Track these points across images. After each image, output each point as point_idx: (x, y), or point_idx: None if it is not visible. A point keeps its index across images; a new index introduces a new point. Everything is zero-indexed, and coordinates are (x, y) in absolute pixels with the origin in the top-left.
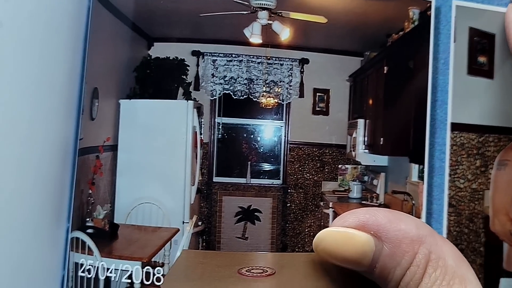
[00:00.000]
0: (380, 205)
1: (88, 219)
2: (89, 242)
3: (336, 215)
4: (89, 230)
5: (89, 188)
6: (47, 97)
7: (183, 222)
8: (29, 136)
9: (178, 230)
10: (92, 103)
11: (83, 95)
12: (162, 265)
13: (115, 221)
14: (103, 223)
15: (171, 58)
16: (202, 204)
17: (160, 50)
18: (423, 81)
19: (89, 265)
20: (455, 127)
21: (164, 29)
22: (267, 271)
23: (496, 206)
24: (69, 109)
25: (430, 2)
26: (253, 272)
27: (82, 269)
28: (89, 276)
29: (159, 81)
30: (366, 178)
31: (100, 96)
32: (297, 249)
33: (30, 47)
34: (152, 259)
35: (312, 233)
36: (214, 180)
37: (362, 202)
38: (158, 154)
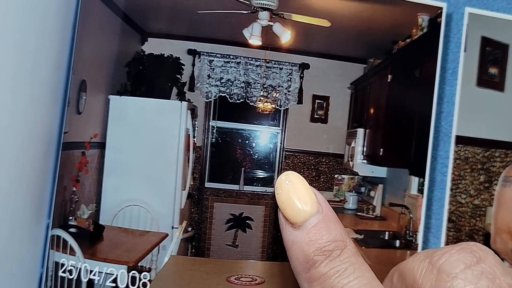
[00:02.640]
0: (376, 217)
1: (71, 218)
2: (71, 241)
3: None
4: (72, 229)
5: (73, 185)
6: (30, 86)
7: (173, 227)
8: (9, 126)
9: (167, 235)
10: (80, 96)
11: (70, 87)
12: (149, 270)
13: (100, 222)
14: (87, 223)
15: (165, 55)
16: (192, 210)
17: (154, 46)
18: (429, 91)
19: (71, 265)
20: (460, 140)
21: (159, 25)
22: (257, 279)
23: (499, 223)
24: (53, 99)
25: (441, 8)
26: (242, 280)
27: (63, 269)
28: (71, 277)
29: (152, 79)
30: (363, 189)
31: (88, 90)
32: (287, 259)
33: (13, 33)
34: (139, 264)
35: None
36: (206, 186)
37: (358, 213)
38: (149, 155)
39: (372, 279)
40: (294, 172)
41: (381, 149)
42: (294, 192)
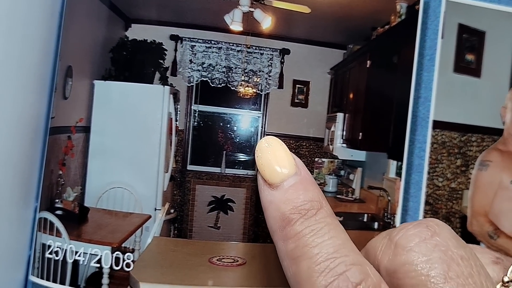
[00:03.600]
0: (355, 200)
1: (57, 201)
2: (58, 223)
3: None
4: (58, 212)
5: (59, 169)
6: (17, 72)
7: (155, 209)
8: None
9: (150, 216)
10: (66, 82)
11: (57, 73)
12: (132, 251)
13: (85, 204)
14: (72, 206)
15: (148, 41)
16: (175, 192)
17: (137, 32)
18: (407, 77)
19: (57, 247)
20: (437, 125)
21: (142, 11)
22: (238, 260)
23: (475, 207)
24: (41, 86)
25: None
26: (224, 261)
27: (49, 250)
28: (57, 258)
29: (136, 64)
30: (342, 172)
31: (74, 75)
32: (268, 240)
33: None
34: (123, 245)
35: None
36: (188, 168)
37: (337, 196)
38: (132, 138)
39: (346, 240)
40: (274, 137)
41: (360, 133)
42: (273, 155)
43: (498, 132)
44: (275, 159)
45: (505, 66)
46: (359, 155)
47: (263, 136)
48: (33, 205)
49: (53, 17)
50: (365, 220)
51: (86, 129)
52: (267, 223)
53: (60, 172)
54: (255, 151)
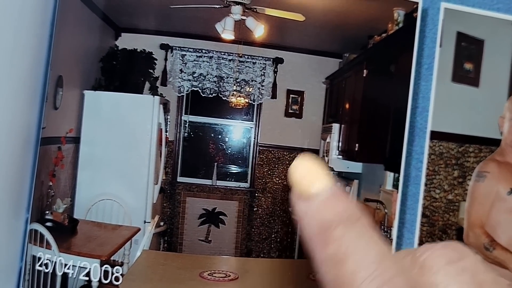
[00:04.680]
0: None
1: (47, 212)
2: (48, 235)
3: None
4: (48, 224)
5: (49, 180)
6: (8, 82)
7: (145, 222)
8: None
9: (139, 229)
10: (56, 92)
11: (48, 82)
12: (121, 265)
13: (74, 216)
14: (62, 217)
15: (138, 50)
16: (165, 204)
17: (127, 41)
18: (404, 86)
19: (47, 259)
20: (435, 135)
21: (132, 20)
22: (230, 275)
23: (472, 218)
24: (32, 96)
25: (417, 3)
26: (215, 276)
27: (39, 262)
28: (47, 270)
29: (126, 73)
30: (338, 185)
31: (65, 85)
32: (262, 255)
33: None
34: (112, 258)
35: (278, 239)
36: (178, 180)
37: None
38: (122, 149)
39: (388, 250)
40: (310, 154)
41: (357, 145)
42: (308, 169)
43: (496, 143)
44: (310, 174)
45: (503, 75)
46: (356, 167)
47: (256, 147)
48: (24, 216)
49: (44, 26)
50: None
51: (76, 140)
52: (303, 232)
53: (50, 183)
54: (290, 167)
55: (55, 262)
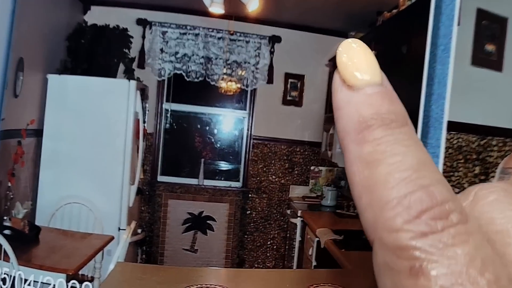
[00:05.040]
0: (357, 215)
1: (5, 218)
2: (5, 245)
3: (305, 225)
4: (6, 231)
5: (8, 180)
6: None
7: (119, 229)
8: None
9: (113, 238)
10: (17, 77)
11: (8, 66)
12: (91, 280)
13: (36, 223)
14: (22, 224)
15: (111, 26)
16: (143, 208)
17: (98, 16)
18: (418, 70)
19: (5, 273)
20: (453, 126)
21: None
22: None
23: None
24: None
25: None
26: None
27: None
28: (4, 286)
29: (96, 54)
30: (343, 182)
31: (26, 69)
32: (256, 265)
33: None
34: (80, 272)
35: (275, 246)
36: (158, 180)
37: (337, 210)
38: (92, 144)
39: (431, 160)
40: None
41: None
42: (359, 56)
43: None
44: (360, 61)
45: None
46: None
47: (249, 140)
48: None
49: (5, 2)
50: None
51: (38, 133)
52: (337, 123)
53: (9, 184)
54: (338, 48)
55: (14, 277)
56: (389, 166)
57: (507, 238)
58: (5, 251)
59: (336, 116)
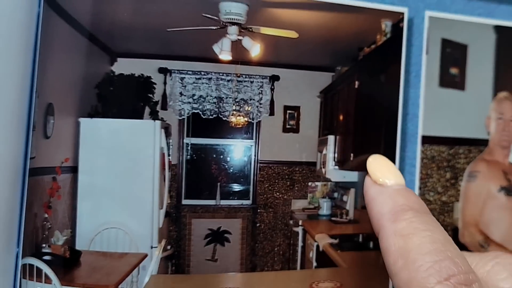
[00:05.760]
0: (349, 221)
1: (44, 245)
2: (46, 269)
3: (305, 233)
4: (46, 257)
5: (44, 212)
6: None
7: (152, 247)
8: None
9: (146, 255)
10: (47, 120)
11: (34, 110)
12: None
13: (77, 247)
14: (62, 250)
15: (136, 75)
16: (170, 228)
17: (124, 66)
18: (395, 94)
19: None
20: (426, 140)
21: (128, 44)
22: None
23: (466, 217)
24: (17, 125)
25: (403, 13)
26: None
27: None
28: None
29: (124, 99)
30: (336, 194)
31: (56, 113)
32: (266, 268)
33: None
34: (119, 286)
35: (281, 252)
36: (183, 203)
37: (332, 218)
38: (124, 176)
39: (453, 242)
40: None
41: (351, 154)
42: (385, 164)
43: (484, 143)
44: (386, 167)
45: (487, 77)
46: (352, 176)
47: (257, 164)
48: (14, 251)
49: (28, 52)
50: (360, 240)
51: (73, 169)
52: (372, 209)
53: (46, 215)
54: (368, 160)
55: None
56: (422, 238)
57: None
58: (45, 274)
59: (370, 205)
